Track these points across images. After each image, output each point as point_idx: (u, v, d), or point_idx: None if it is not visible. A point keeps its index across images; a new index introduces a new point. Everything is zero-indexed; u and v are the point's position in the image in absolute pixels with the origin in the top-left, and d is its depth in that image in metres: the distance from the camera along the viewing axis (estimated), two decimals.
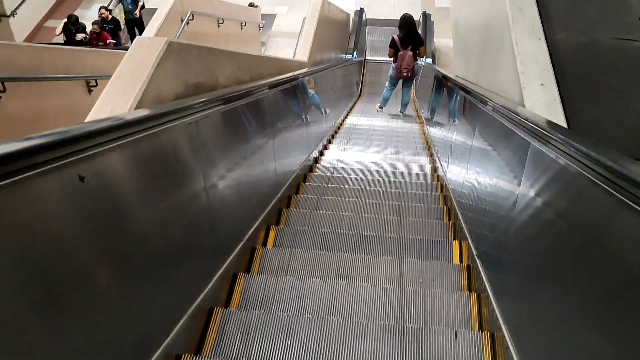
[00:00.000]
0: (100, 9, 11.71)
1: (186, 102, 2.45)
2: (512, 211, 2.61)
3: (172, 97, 2.75)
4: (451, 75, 7.07)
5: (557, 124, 2.38)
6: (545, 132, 2.11)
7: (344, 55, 12.49)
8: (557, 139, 1.99)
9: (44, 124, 5.36)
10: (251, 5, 14.13)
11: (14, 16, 13.65)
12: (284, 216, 4.30)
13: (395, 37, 9.45)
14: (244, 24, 11.85)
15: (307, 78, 5.92)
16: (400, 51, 9.40)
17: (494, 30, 4.78)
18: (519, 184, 2.54)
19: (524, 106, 3.52)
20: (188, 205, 2.43)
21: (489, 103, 3.46)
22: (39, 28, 14.45)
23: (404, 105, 10.41)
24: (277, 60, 5.25)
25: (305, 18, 8.18)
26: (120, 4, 13.61)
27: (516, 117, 2.70)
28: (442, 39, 14.46)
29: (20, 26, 13.78)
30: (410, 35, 9.39)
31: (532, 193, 2.34)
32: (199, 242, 2.62)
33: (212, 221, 2.74)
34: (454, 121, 5.59)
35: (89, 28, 11.37)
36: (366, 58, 14.29)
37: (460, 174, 4.48)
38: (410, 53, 9.38)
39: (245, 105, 3.40)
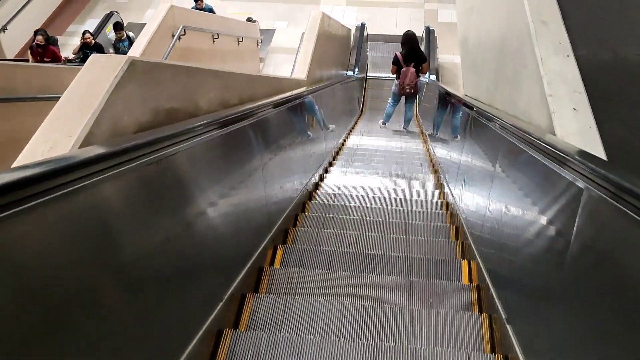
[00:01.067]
0: (84, 33, 11.01)
1: (144, 136, 1.94)
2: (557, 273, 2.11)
3: (134, 128, 2.25)
4: (458, 94, 6.66)
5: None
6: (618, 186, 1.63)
7: (345, 72, 12.03)
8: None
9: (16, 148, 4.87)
10: (249, 20, 13.70)
11: (4, 31, 13.25)
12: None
13: (398, 54, 9.41)
14: (241, 39, 11.40)
15: (305, 98, 5.44)
16: (403, 68, 9.36)
17: (512, 46, 4.30)
18: (570, 237, 2.03)
19: (554, 133, 3.03)
20: (190, 234, 2.36)
21: (518, 134, 2.95)
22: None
23: (407, 121, 10.38)
24: (272, 79, 4.76)
25: (303, 33, 7.71)
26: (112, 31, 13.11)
27: (563, 156, 2.19)
28: (445, 55, 14.04)
29: (11, 42, 13.35)
30: (413, 52, 9.34)
31: (587, 246, 1.86)
32: (206, 264, 2.58)
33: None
34: (466, 144, 5.09)
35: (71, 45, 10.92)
36: (368, 74, 13.83)
37: (479, 207, 3.97)
38: (413, 70, 9.34)
39: (232, 133, 2.91)
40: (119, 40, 10.95)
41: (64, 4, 15.79)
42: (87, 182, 1.51)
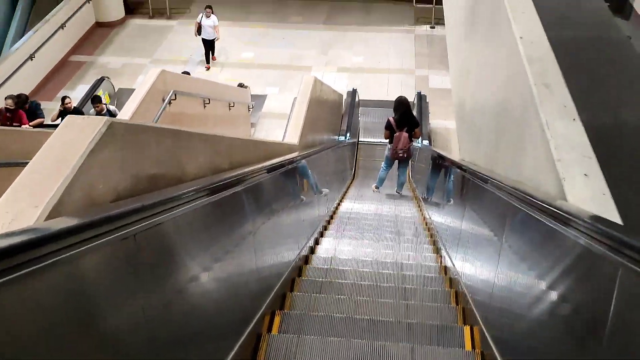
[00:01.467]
0: (64, 98, 10.77)
1: (120, 206, 1.72)
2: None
3: (112, 196, 2.04)
4: (454, 158, 6.53)
5: None
6: None
7: (336, 137, 11.95)
8: None
9: None
10: (241, 85, 13.68)
11: None
12: None
13: (391, 119, 9.47)
14: (232, 105, 11.33)
15: (298, 163, 5.26)
16: (395, 132, 9.42)
17: (513, 110, 4.15)
18: (594, 311, 1.81)
19: (566, 200, 2.85)
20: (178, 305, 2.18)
21: (531, 202, 2.76)
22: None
23: (400, 186, 10.35)
24: (264, 143, 4.59)
25: (295, 98, 7.62)
26: (104, 91, 13.00)
27: (599, 235, 1.98)
28: (438, 121, 14.04)
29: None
30: (406, 117, 9.43)
31: (617, 323, 1.65)
32: (200, 334, 2.41)
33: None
34: (468, 209, 4.89)
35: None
36: (359, 140, 13.76)
37: (485, 273, 3.73)
38: (406, 134, 9.39)
39: (221, 200, 2.70)
40: (98, 114, 10.65)
41: (55, 70, 15.80)
42: (48, 261, 1.28)
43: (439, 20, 18.26)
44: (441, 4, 17.39)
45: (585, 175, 2.97)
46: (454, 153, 12.90)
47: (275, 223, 3.94)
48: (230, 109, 11.35)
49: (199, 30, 15.70)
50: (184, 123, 8.97)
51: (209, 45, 16.11)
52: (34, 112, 10.77)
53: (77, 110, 10.65)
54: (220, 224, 2.75)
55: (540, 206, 2.68)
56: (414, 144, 9.96)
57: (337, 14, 19.21)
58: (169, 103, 8.21)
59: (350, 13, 19.20)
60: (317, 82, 8.37)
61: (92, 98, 10.72)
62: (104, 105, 10.33)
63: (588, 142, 3.19)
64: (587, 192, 2.87)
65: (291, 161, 4.85)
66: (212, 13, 15.58)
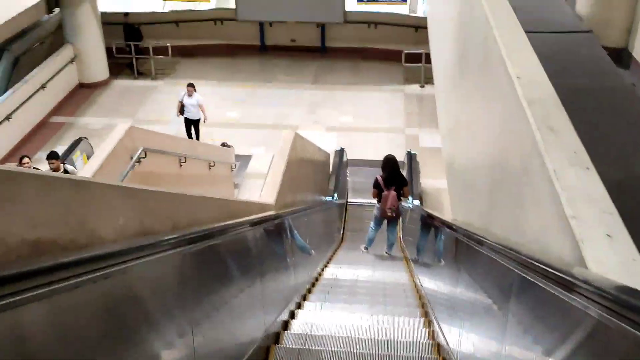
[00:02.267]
0: (22, 157, 9.97)
1: None
2: None
3: None
4: (445, 217, 5.93)
5: None
6: None
7: (323, 197, 11.36)
8: None
9: None
10: (224, 145, 13.18)
11: None
12: None
13: (379, 177, 9.28)
14: (212, 164, 10.76)
15: (269, 224, 4.62)
16: (384, 191, 9.18)
17: (511, 161, 3.56)
18: None
19: (586, 267, 2.23)
20: None
21: (544, 272, 2.12)
22: None
23: (390, 246, 9.96)
24: (223, 201, 3.96)
25: (274, 155, 7.05)
26: (81, 152, 12.36)
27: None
28: (429, 180, 13.50)
29: None
30: (394, 175, 9.27)
31: None
32: None
33: None
34: (460, 277, 4.22)
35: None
36: (348, 200, 13.16)
37: (488, 352, 3.05)
38: (394, 193, 9.16)
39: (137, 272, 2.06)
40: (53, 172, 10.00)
41: (34, 131, 15.30)
42: None
43: (429, 80, 17.94)
44: (430, 62, 17.18)
45: (609, 236, 2.36)
46: (447, 213, 12.31)
47: (227, 298, 3.26)
48: (210, 168, 10.77)
49: (181, 110, 14.16)
50: (155, 184, 8.37)
51: (193, 125, 14.40)
52: None
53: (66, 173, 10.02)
54: (130, 308, 2.09)
55: (551, 274, 2.05)
56: (402, 203, 9.64)
57: (326, 73, 18.94)
58: (138, 161, 7.62)
59: (339, 72, 18.93)
60: (298, 139, 7.83)
61: (48, 154, 9.97)
62: (61, 165, 9.71)
63: (607, 195, 2.59)
64: (614, 258, 2.26)
65: (260, 221, 4.21)
66: (195, 91, 14.15)
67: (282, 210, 6.14)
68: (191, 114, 14.21)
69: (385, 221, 9.59)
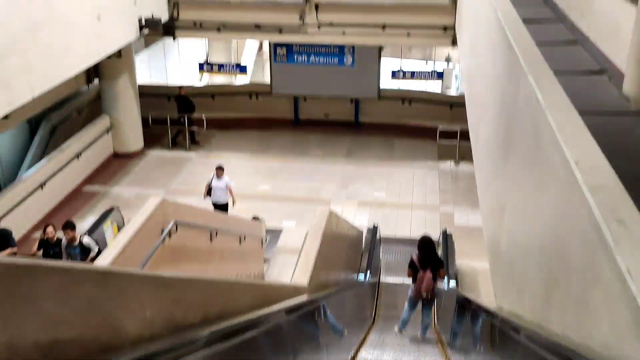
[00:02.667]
0: (47, 227, 9.95)
1: None
2: None
3: None
4: (487, 305, 5.60)
5: None
6: None
7: (355, 276, 11.02)
8: None
9: None
10: (255, 218, 13.00)
11: None
12: None
13: (414, 257, 9.14)
14: (243, 238, 10.55)
15: (303, 312, 4.35)
16: (419, 272, 9.03)
17: (571, 254, 3.26)
18: None
19: None
20: None
21: None
22: (26, 239, 13.28)
23: (425, 329, 9.61)
24: (258, 287, 3.71)
25: (307, 232, 6.82)
26: (112, 222, 12.27)
27: None
28: (465, 260, 13.08)
29: None
30: (430, 257, 9.11)
31: None
32: None
33: None
34: None
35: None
36: (381, 279, 12.77)
37: None
38: (429, 274, 8.98)
39: None
40: (69, 244, 9.70)
41: (66, 200, 15.35)
42: None
43: (464, 157, 17.80)
44: (466, 140, 17.03)
45: None
46: (483, 296, 11.83)
47: None
48: (240, 243, 10.56)
49: (208, 192, 13.68)
50: (187, 258, 8.18)
51: (221, 210, 13.67)
52: (6, 240, 10.04)
53: (59, 242, 9.88)
54: None
55: None
56: (438, 285, 9.37)
57: (359, 148, 18.89)
58: (169, 235, 7.45)
59: (372, 148, 18.87)
60: (333, 216, 7.60)
61: (64, 224, 9.79)
62: (77, 235, 9.58)
63: None
64: None
65: (293, 308, 3.94)
66: (224, 174, 13.69)
67: (315, 291, 5.87)
68: (219, 198, 13.65)
69: (420, 302, 9.37)
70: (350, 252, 10.24)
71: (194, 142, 18.77)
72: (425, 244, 9.12)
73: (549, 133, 3.88)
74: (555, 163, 3.69)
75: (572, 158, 3.37)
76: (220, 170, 13.65)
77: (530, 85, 4.58)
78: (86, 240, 9.77)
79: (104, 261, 5.95)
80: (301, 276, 5.85)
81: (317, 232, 6.64)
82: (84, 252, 9.67)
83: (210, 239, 9.07)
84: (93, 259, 9.56)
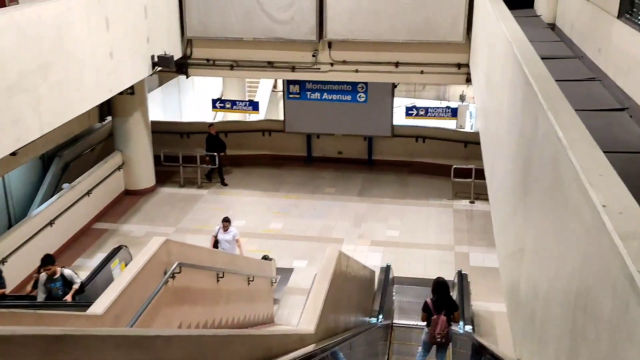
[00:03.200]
0: (45, 260, 9.35)
1: None
2: None
3: None
4: (507, 356, 5.25)
5: None
6: None
7: (367, 319, 10.66)
8: None
9: None
10: (265, 258, 12.71)
11: (3, 263, 12.38)
12: None
13: (428, 301, 9.11)
14: (251, 279, 10.26)
15: None
16: (433, 316, 9.00)
17: (599, 306, 2.96)
18: None
19: None
20: None
21: None
22: (30, 278, 13.04)
23: None
24: (257, 337, 3.42)
25: (316, 274, 6.53)
26: (120, 260, 11.98)
27: None
28: (481, 302, 12.67)
29: (10, 274, 12.39)
30: (444, 300, 9.11)
31: None
32: None
33: None
34: None
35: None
36: (393, 322, 12.35)
37: None
38: (444, 318, 8.99)
39: None
40: (49, 279, 9.21)
41: (76, 237, 15.18)
42: None
43: (479, 195, 17.47)
44: (480, 178, 16.72)
45: None
46: (501, 342, 11.40)
47: None
48: (249, 283, 10.27)
49: (214, 245, 12.84)
50: (191, 300, 7.89)
51: None
52: None
53: (64, 278, 9.56)
54: None
55: None
56: (452, 328, 9.32)
57: (372, 186, 18.62)
58: (172, 277, 7.18)
59: (386, 186, 18.59)
60: (343, 257, 7.31)
61: (42, 259, 9.33)
62: (57, 269, 9.27)
63: None
64: None
65: None
66: (231, 226, 13.03)
67: (323, 338, 5.55)
68: (225, 250, 12.73)
69: (435, 347, 9.25)
70: (361, 294, 9.90)
71: (223, 184, 18.48)
72: (439, 286, 9.09)
73: (571, 172, 3.61)
74: (579, 205, 3.41)
75: (598, 201, 3.09)
76: (227, 222, 12.94)
77: (549, 121, 4.33)
78: (67, 272, 9.48)
79: (101, 305, 5.68)
80: (308, 322, 5.55)
81: (326, 274, 6.34)
82: (67, 284, 9.36)
83: (217, 280, 8.79)
84: (76, 292, 9.31)
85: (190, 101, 26.14)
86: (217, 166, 18.37)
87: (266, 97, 27.35)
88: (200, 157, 18.46)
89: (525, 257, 5.03)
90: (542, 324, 4.27)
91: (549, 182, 4.32)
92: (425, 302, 9.06)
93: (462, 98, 30.08)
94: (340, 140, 19.84)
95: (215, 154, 18.22)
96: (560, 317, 3.76)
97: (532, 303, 4.61)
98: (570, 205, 3.67)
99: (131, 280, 6.18)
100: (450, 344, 9.46)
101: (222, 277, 8.81)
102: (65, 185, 15.36)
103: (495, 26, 8.77)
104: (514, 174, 5.99)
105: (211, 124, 18.95)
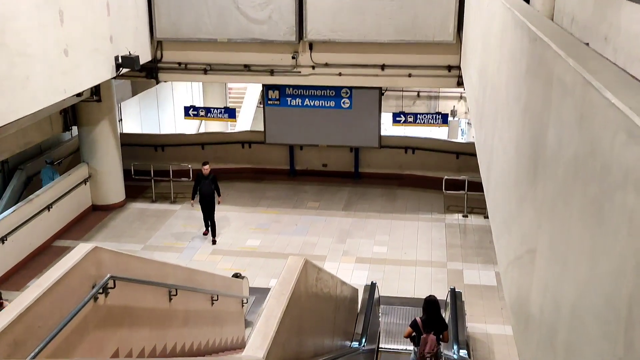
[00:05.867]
0: None
1: None
2: None
3: None
4: None
5: None
6: None
7: (348, 343, 9.36)
8: None
9: None
10: (236, 276, 11.40)
11: None
12: None
13: (418, 320, 8.76)
14: (215, 298, 8.96)
15: None
16: (423, 335, 8.66)
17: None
18: None
19: None
20: None
21: None
22: None
23: None
24: None
25: (271, 288, 5.28)
26: None
27: None
28: (477, 324, 11.41)
29: None
30: (434, 319, 8.77)
31: None
32: None
33: None
34: None
35: None
36: (379, 346, 11.01)
37: None
38: (433, 337, 8.63)
39: None
40: None
41: (32, 255, 13.89)
42: None
43: (473, 209, 16.29)
44: (474, 190, 15.52)
45: None
46: None
47: None
48: (213, 303, 8.96)
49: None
50: (131, 322, 6.59)
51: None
52: None
53: None
54: None
55: None
56: (445, 351, 9.06)
57: (358, 200, 17.38)
58: (104, 292, 5.89)
59: (373, 200, 17.36)
60: (311, 268, 6.06)
61: None
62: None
63: None
64: None
65: None
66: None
67: None
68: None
69: None
70: (340, 314, 8.62)
71: (213, 242, 14.91)
72: (429, 305, 8.80)
73: (612, 122, 2.39)
74: (629, 165, 2.19)
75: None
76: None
77: (572, 70, 3.12)
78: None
79: None
80: (256, 348, 4.29)
81: (284, 288, 5.08)
82: None
83: (169, 298, 7.50)
84: None
85: (170, 115, 24.92)
86: (211, 218, 14.84)
87: (251, 110, 26.19)
88: (174, 170, 17.22)
89: (538, 260, 3.79)
90: (567, 347, 3.01)
91: (574, 151, 3.09)
92: (415, 321, 8.75)
93: (453, 114, 29.05)
94: (325, 151, 18.65)
95: (199, 199, 14.66)
96: (599, 337, 2.51)
97: (551, 319, 3.35)
98: (613, 171, 2.44)
99: (40, 297, 4.91)
100: None
101: (175, 295, 7.52)
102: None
103: (490, 7, 7.69)
104: (518, 161, 4.79)
105: (206, 162, 14.66)
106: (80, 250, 5.68)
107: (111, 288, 6.02)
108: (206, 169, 14.49)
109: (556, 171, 3.41)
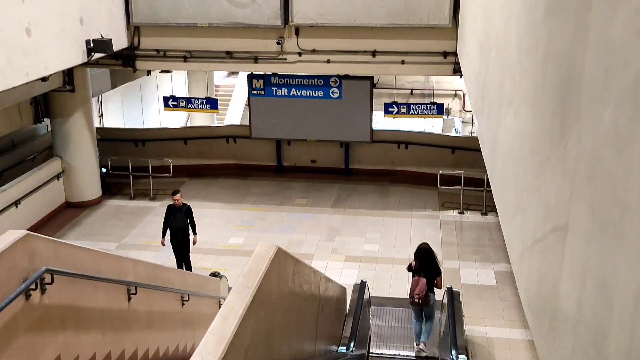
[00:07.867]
0: None
1: None
2: None
3: None
4: None
5: None
6: None
7: (334, 347, 8.43)
8: None
9: None
10: (214, 275, 10.45)
11: None
12: None
13: (414, 263, 9.36)
14: (186, 298, 8.01)
15: None
16: (414, 276, 9.26)
17: None
18: None
19: None
20: None
21: None
22: None
23: (426, 334, 9.43)
24: None
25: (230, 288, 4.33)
26: None
27: None
28: (476, 327, 10.51)
29: None
30: (427, 263, 9.23)
31: None
32: None
33: None
34: None
35: None
36: (370, 351, 10.06)
37: None
38: (424, 280, 9.13)
39: None
40: None
41: None
42: None
43: (469, 205, 15.41)
44: (470, 185, 14.61)
45: None
46: None
47: None
48: (183, 304, 8.02)
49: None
50: (78, 324, 5.64)
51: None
52: None
53: None
54: None
55: None
56: (432, 296, 9.31)
57: (349, 197, 16.46)
58: (41, 289, 4.94)
59: (364, 197, 16.44)
60: (286, 259, 5.12)
61: None
62: None
63: None
64: None
65: None
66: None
67: None
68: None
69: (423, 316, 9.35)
70: (325, 316, 7.68)
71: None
72: (421, 252, 9.27)
73: None
74: None
75: None
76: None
77: None
78: None
79: None
80: (207, 355, 3.35)
81: (249, 281, 4.15)
82: None
83: (128, 298, 6.55)
84: None
85: (155, 112, 23.95)
86: (185, 260, 12.10)
87: (240, 108, 25.29)
88: (154, 166, 16.27)
89: (571, 239, 2.87)
90: (627, 354, 2.10)
91: (634, 75, 2.18)
92: (410, 264, 9.41)
93: (447, 112, 28.21)
94: (314, 147, 17.73)
95: (170, 237, 11.98)
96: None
97: (597, 316, 2.43)
98: None
99: None
100: (431, 306, 9.30)
101: (135, 294, 6.57)
102: None
103: None
104: (536, 121, 3.89)
105: (176, 191, 11.94)
106: (7, 237, 4.72)
107: (48, 284, 5.07)
108: (177, 198, 11.68)
109: (602, 114, 2.49)
